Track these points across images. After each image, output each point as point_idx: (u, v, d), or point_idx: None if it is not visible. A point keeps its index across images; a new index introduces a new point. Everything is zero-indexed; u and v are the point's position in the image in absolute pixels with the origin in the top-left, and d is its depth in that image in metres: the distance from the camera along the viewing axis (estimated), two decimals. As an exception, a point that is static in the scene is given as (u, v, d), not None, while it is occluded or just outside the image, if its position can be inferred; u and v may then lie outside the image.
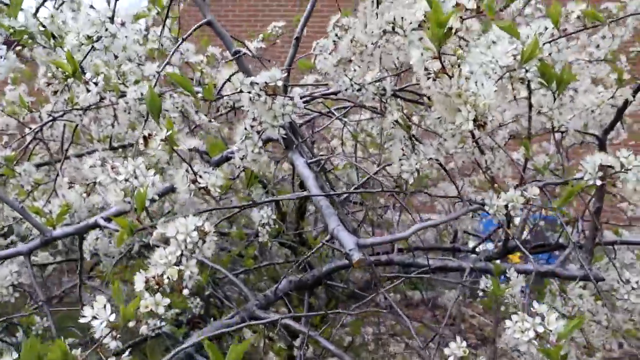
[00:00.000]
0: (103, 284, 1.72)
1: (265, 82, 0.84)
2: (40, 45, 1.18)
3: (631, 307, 1.07)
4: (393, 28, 0.86)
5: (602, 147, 1.54)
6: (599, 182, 0.92)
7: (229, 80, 0.83)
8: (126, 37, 0.75)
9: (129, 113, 1.36)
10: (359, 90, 1.20)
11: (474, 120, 0.72)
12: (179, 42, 0.98)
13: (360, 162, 2.33)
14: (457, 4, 0.72)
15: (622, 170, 0.91)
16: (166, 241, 0.78)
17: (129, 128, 1.68)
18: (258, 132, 0.89)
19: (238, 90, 0.82)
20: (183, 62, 1.56)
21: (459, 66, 0.72)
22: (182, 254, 0.74)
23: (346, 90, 1.21)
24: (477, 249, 2.39)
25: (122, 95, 1.31)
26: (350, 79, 1.17)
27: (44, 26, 1.01)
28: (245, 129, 0.88)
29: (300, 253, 2.28)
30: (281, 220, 2.15)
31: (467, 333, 4.09)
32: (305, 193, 0.98)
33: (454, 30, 0.68)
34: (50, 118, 1.43)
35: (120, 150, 2.16)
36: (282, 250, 2.59)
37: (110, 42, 0.74)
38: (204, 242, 0.77)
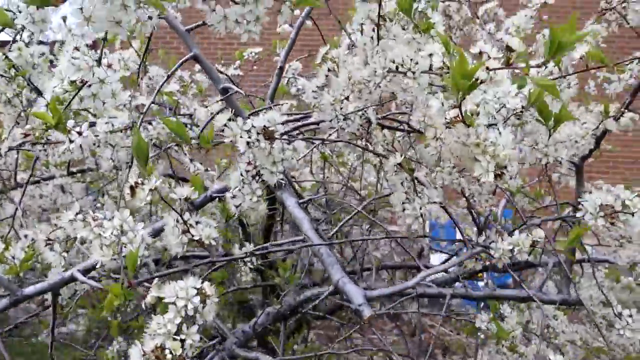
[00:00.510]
0: (67, 320, 1.60)
1: (264, 126, 0.78)
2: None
3: (627, 342, 1.07)
4: (397, 68, 0.82)
5: (579, 173, 1.57)
6: (601, 223, 0.91)
7: (226, 125, 0.77)
8: (116, 82, 0.67)
9: (98, 146, 1.27)
10: (344, 120, 1.16)
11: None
12: (163, 80, 0.91)
13: (329, 182, 2.30)
14: (480, 53, 0.68)
15: (623, 210, 0.91)
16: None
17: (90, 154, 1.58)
18: (254, 177, 0.83)
19: (237, 136, 0.76)
20: (152, 87, 1.48)
21: (477, 115, 0.68)
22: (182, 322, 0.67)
23: (331, 121, 1.16)
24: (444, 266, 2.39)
25: (92, 124, 1.22)
26: (336, 110, 1.13)
27: (8, 59, 0.92)
28: (241, 174, 0.82)
29: (268, 276, 2.21)
30: (247, 241, 2.08)
31: (430, 345, 4.09)
32: (299, 239, 0.92)
33: (479, 82, 0.65)
34: (7, 149, 1.31)
35: (79, 175, 2.03)
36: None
37: (98, 88, 0.66)
38: (205, 305, 0.70)
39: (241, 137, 0.76)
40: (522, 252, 0.88)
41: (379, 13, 0.85)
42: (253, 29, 0.66)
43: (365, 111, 1.24)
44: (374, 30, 0.86)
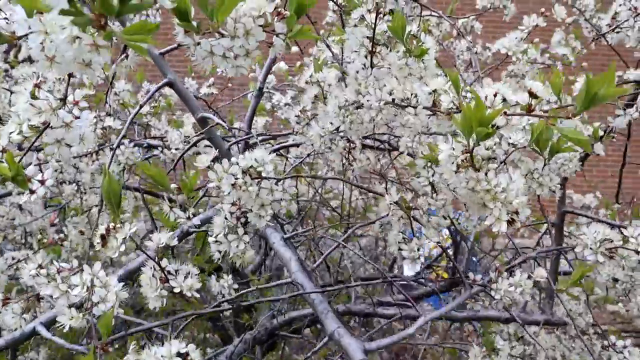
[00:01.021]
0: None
1: (251, 166, 0.71)
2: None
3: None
4: (393, 100, 0.76)
5: (561, 188, 1.55)
6: (601, 259, 0.87)
7: (209, 168, 0.69)
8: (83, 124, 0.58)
9: (61, 173, 1.17)
10: (330, 141, 1.11)
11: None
12: (135, 109, 0.82)
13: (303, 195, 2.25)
14: (495, 93, 0.63)
15: (623, 245, 0.87)
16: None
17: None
18: (238, 219, 0.76)
19: (221, 179, 0.68)
20: (118, 103, 1.38)
21: (489, 159, 0.63)
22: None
23: (312, 145, 1.10)
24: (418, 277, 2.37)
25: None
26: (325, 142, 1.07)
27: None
28: (226, 218, 0.74)
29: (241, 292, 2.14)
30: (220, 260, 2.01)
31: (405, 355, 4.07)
32: (287, 282, 0.85)
33: (496, 128, 0.59)
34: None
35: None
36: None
37: (63, 133, 0.57)
38: (190, 373, 0.62)
39: (226, 178, 0.68)
40: (525, 294, 0.84)
41: (373, 39, 0.78)
42: (243, 64, 0.59)
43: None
44: (366, 57, 0.80)
